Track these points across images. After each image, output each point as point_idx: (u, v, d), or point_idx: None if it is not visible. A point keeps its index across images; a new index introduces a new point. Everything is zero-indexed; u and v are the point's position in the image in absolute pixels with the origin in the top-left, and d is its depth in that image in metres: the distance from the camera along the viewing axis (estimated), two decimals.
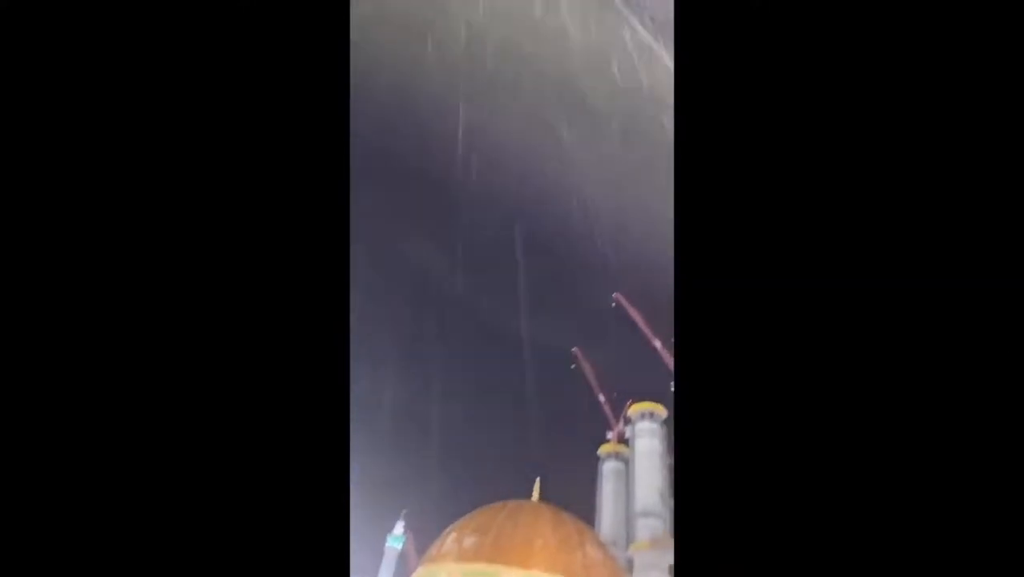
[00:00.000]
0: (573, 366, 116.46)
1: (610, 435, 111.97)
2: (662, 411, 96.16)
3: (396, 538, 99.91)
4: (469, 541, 24.34)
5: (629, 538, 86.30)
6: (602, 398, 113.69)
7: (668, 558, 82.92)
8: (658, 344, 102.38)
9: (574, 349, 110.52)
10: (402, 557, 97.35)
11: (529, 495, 34.31)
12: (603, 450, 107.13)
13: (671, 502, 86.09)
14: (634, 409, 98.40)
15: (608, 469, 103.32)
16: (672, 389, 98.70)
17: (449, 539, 25.33)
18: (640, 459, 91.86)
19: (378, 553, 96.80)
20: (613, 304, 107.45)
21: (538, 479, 35.36)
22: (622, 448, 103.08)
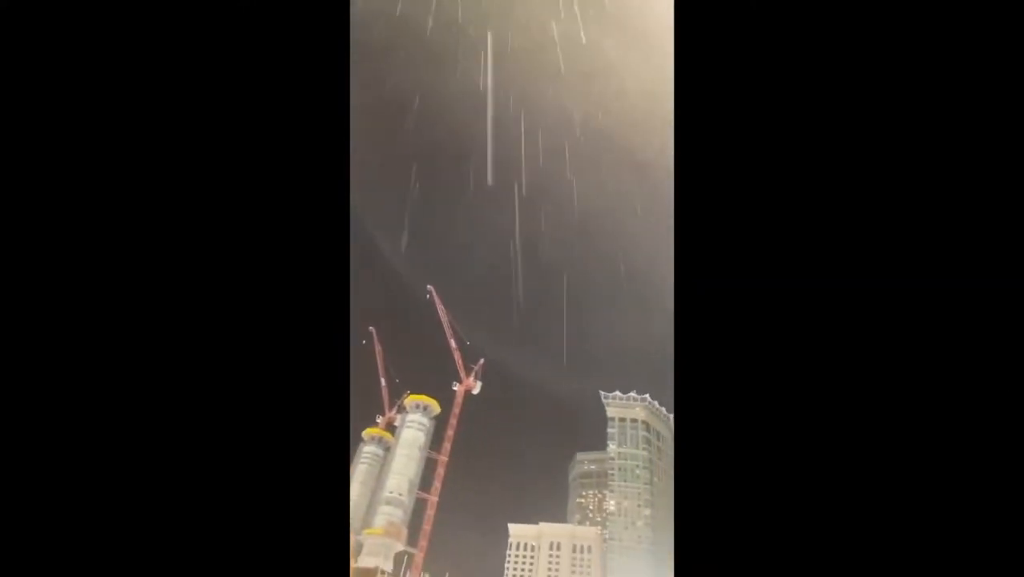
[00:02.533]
0: (364, 342, 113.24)
1: (379, 420, 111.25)
2: (436, 407, 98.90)
3: None
4: None
5: (366, 523, 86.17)
6: (383, 382, 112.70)
7: (396, 547, 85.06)
8: (453, 344, 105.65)
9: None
10: None
11: None
12: (367, 433, 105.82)
13: (414, 496, 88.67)
14: (410, 400, 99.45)
15: (366, 452, 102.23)
16: (453, 387, 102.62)
17: None
18: (402, 448, 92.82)
19: None
20: (428, 296, 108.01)
21: None
22: (386, 435, 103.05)
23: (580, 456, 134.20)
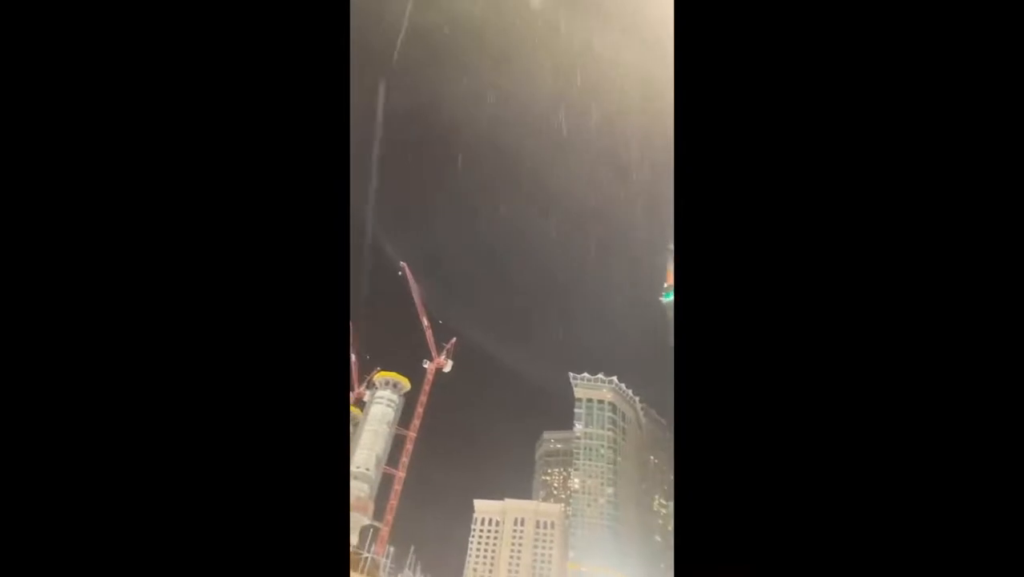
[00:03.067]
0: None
1: (350, 396, 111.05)
2: (406, 384, 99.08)
3: None
4: None
5: None
6: (353, 358, 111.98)
7: (362, 521, 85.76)
8: (425, 322, 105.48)
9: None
10: None
11: None
12: None
13: (381, 471, 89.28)
14: (380, 376, 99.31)
15: None
16: (424, 365, 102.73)
17: None
18: (370, 423, 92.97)
19: None
20: (400, 273, 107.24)
21: None
22: (355, 410, 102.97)
23: (547, 435, 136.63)
